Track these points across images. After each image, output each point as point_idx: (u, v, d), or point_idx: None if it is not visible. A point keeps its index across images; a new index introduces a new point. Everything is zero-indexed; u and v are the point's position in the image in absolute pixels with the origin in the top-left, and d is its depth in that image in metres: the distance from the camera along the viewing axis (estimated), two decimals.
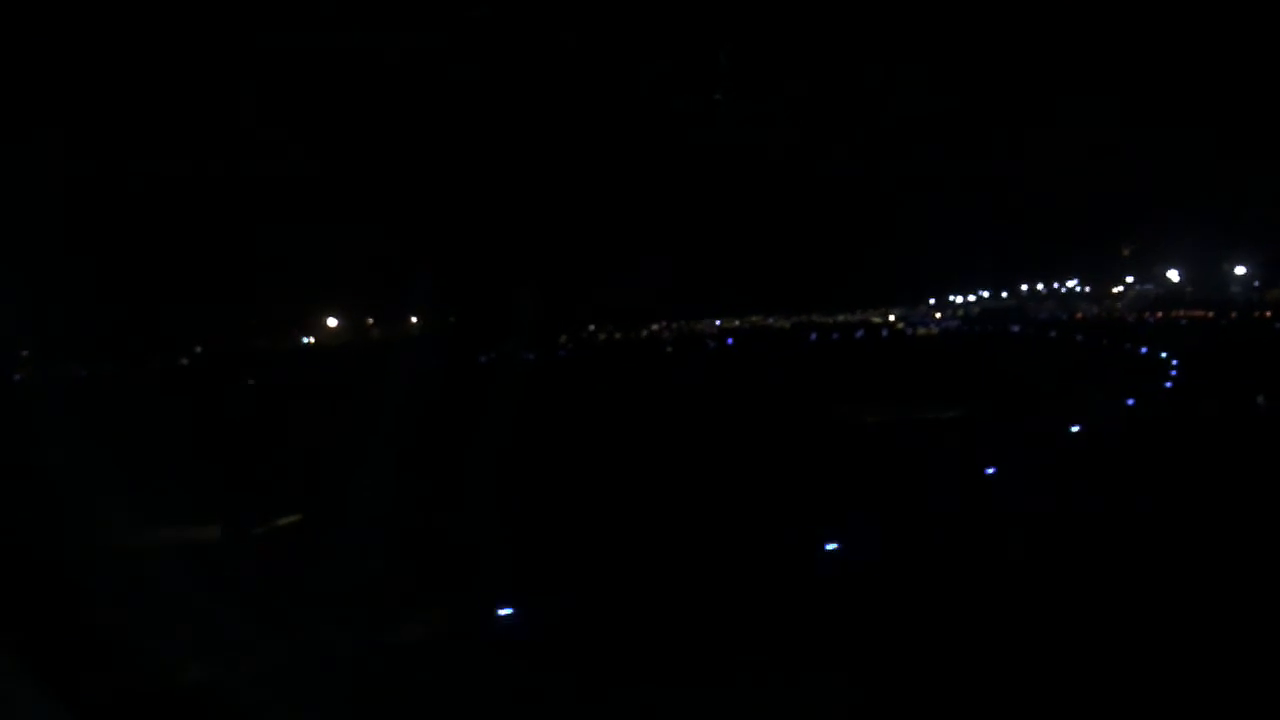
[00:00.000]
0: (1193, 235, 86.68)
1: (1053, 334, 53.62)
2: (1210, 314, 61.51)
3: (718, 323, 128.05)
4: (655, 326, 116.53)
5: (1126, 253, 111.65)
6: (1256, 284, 68.85)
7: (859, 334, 72.46)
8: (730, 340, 70.25)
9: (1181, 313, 64.28)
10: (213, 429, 27.26)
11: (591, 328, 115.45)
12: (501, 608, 10.33)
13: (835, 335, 70.44)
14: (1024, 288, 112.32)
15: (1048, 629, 9.16)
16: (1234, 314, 58.94)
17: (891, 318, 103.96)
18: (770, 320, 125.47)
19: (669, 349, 68.93)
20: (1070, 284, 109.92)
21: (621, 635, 9.72)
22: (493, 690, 8.71)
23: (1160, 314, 66.29)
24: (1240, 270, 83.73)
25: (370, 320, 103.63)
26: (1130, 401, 23.33)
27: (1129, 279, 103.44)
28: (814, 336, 69.01)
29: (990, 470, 16.35)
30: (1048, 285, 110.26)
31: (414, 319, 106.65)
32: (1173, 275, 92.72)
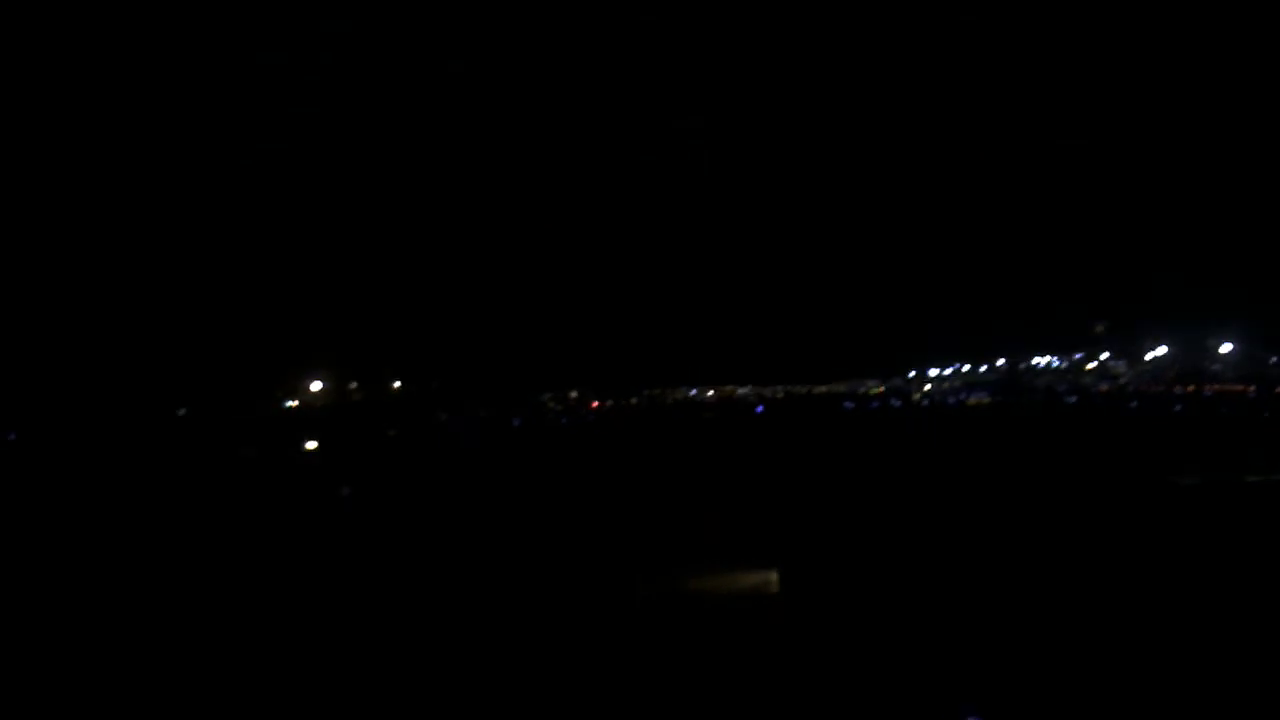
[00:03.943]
0: (1177, 310, 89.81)
1: (1134, 405, 53.34)
2: (1249, 388, 62.73)
3: (693, 391, 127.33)
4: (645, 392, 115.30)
5: (1100, 329, 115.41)
6: (1274, 359, 70.84)
7: (895, 402, 72.11)
8: (760, 409, 68.95)
9: (1216, 386, 65.60)
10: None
11: (574, 394, 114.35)
12: None
13: (874, 404, 69.83)
14: (1000, 362, 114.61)
15: None
16: (1278, 389, 60.15)
17: (882, 389, 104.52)
18: (746, 390, 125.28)
19: (707, 414, 67.25)
20: (1044, 359, 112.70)
21: None
22: None
23: (1190, 387, 67.56)
24: (1226, 348, 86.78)
25: (354, 384, 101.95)
26: None
27: (1104, 355, 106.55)
28: (849, 405, 68.17)
29: None
30: (1021, 360, 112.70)
31: (396, 384, 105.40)
32: (1160, 351, 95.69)
